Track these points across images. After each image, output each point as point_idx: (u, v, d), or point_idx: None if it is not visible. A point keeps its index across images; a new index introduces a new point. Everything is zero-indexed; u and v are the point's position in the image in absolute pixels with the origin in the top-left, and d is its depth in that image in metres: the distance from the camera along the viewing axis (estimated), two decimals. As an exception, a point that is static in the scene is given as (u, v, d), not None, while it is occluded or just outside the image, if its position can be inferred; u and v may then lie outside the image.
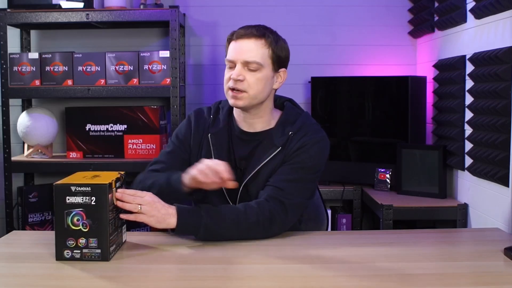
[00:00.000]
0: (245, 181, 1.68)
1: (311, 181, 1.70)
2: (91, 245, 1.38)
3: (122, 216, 1.49)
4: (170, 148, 1.79)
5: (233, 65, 1.66)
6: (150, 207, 1.49)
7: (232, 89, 1.65)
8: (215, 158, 1.69)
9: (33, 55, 2.90)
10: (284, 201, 1.60)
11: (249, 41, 1.64)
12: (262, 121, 1.73)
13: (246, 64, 1.63)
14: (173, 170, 1.71)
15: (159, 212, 1.50)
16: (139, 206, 1.48)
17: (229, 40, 1.69)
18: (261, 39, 1.64)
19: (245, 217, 1.56)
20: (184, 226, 1.52)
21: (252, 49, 1.63)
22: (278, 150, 1.67)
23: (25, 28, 3.14)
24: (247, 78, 1.63)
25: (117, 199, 1.47)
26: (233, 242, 1.58)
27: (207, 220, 1.53)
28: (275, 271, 1.35)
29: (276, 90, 1.75)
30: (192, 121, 1.78)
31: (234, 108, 1.74)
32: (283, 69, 1.72)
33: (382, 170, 2.83)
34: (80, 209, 1.37)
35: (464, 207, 2.47)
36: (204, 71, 3.23)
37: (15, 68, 2.88)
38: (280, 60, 1.69)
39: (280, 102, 1.81)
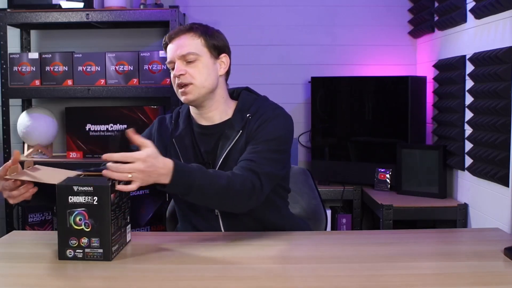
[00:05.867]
0: None
1: (278, 152, 1.67)
2: (93, 244, 1.38)
3: (118, 187, 1.40)
4: None
5: (173, 65, 1.70)
6: (142, 174, 1.39)
7: (180, 86, 1.68)
8: (183, 160, 1.71)
9: (33, 55, 2.90)
10: (257, 171, 1.58)
11: (180, 38, 1.69)
12: (218, 112, 1.74)
13: (183, 58, 1.67)
14: None
15: (151, 177, 1.40)
16: (129, 174, 1.38)
17: (165, 46, 1.75)
18: (190, 32, 1.69)
19: (233, 184, 1.53)
20: (175, 187, 1.46)
21: (184, 44, 1.68)
22: (239, 134, 1.68)
23: (25, 28, 3.14)
24: (188, 71, 1.67)
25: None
26: (233, 242, 1.58)
27: (200, 182, 1.48)
28: (275, 271, 1.36)
29: (225, 77, 1.76)
30: (154, 128, 1.82)
31: (191, 107, 1.77)
32: (224, 55, 1.74)
33: (382, 170, 2.83)
34: (83, 208, 1.37)
35: (464, 207, 2.48)
36: (204, 71, 3.23)
37: (15, 68, 2.88)
38: (216, 46, 1.71)
39: (237, 93, 1.82)
